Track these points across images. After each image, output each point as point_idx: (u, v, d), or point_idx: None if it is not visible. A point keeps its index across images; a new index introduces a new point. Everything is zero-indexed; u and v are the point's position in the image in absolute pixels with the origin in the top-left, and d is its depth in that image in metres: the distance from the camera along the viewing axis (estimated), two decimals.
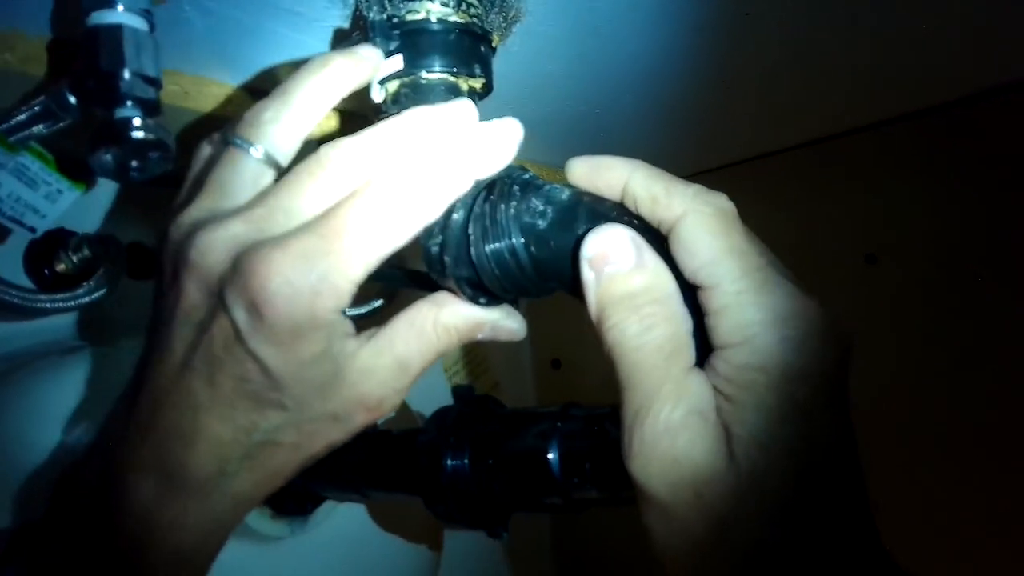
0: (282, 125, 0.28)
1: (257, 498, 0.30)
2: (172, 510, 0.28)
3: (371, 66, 0.32)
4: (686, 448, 0.23)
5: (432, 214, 0.27)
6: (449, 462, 0.34)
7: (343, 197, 0.27)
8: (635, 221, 0.27)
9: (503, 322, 0.31)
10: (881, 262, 0.73)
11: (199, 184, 0.28)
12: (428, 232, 0.30)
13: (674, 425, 0.24)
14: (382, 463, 0.39)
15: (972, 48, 0.56)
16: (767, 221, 0.78)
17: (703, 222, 0.25)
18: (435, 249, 0.30)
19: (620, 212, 0.27)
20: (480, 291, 0.31)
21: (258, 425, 0.27)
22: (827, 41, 0.52)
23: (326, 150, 0.27)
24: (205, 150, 0.30)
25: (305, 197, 0.26)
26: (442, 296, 0.30)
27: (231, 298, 0.25)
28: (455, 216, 0.29)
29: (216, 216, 0.26)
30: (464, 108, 0.29)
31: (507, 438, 0.34)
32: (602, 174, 0.28)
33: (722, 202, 0.26)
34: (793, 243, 0.78)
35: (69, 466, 0.42)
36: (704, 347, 0.25)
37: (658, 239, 0.26)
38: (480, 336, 0.31)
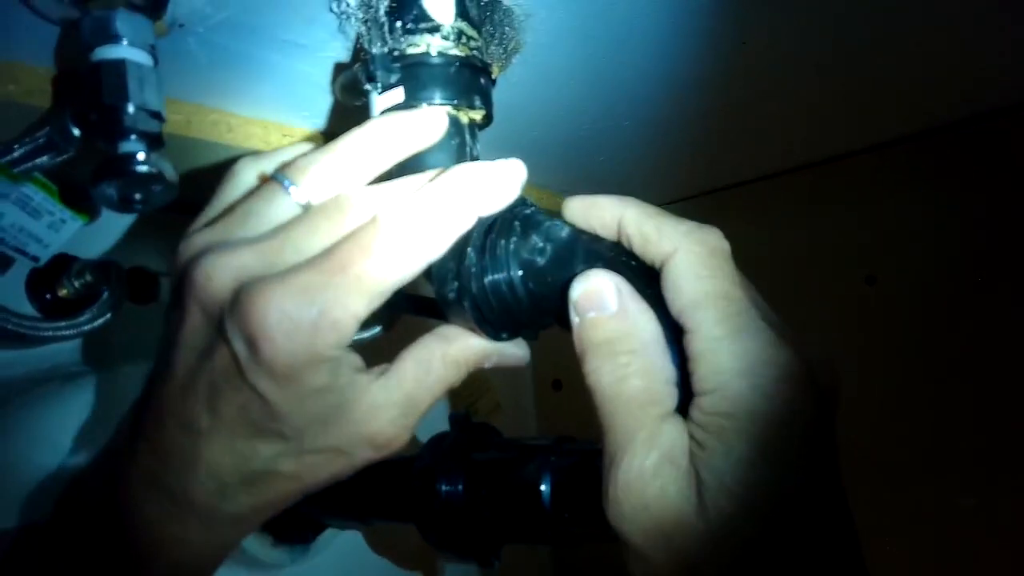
0: (330, 177, 0.28)
1: (256, 522, 0.30)
2: (174, 527, 0.28)
3: (436, 130, 0.32)
4: (657, 495, 0.24)
5: (435, 251, 0.27)
6: (443, 488, 0.34)
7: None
8: (632, 263, 0.27)
9: (508, 350, 0.31)
10: (881, 283, 0.73)
11: (226, 208, 0.29)
12: (440, 265, 0.30)
13: (646, 472, 0.24)
14: (379, 489, 0.39)
15: (969, 70, 0.57)
16: (767, 243, 0.79)
17: (690, 262, 0.25)
18: (447, 287, 0.30)
19: (617, 253, 0.28)
20: (486, 324, 0.31)
21: (258, 453, 0.27)
22: (822, 66, 0.53)
23: (347, 196, 0.27)
24: (244, 177, 0.30)
25: (318, 236, 0.26)
26: (448, 330, 0.31)
27: (231, 329, 0.25)
28: (466, 250, 0.30)
29: (229, 243, 0.26)
30: (507, 168, 0.29)
31: (501, 469, 0.34)
32: (596, 213, 0.29)
33: (714, 240, 0.26)
34: (793, 264, 0.79)
35: (77, 472, 0.42)
36: (688, 394, 0.25)
37: (655, 280, 0.27)
38: (487, 365, 0.31)
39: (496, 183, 0.28)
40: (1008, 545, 0.65)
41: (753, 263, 0.27)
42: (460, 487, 0.35)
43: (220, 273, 0.25)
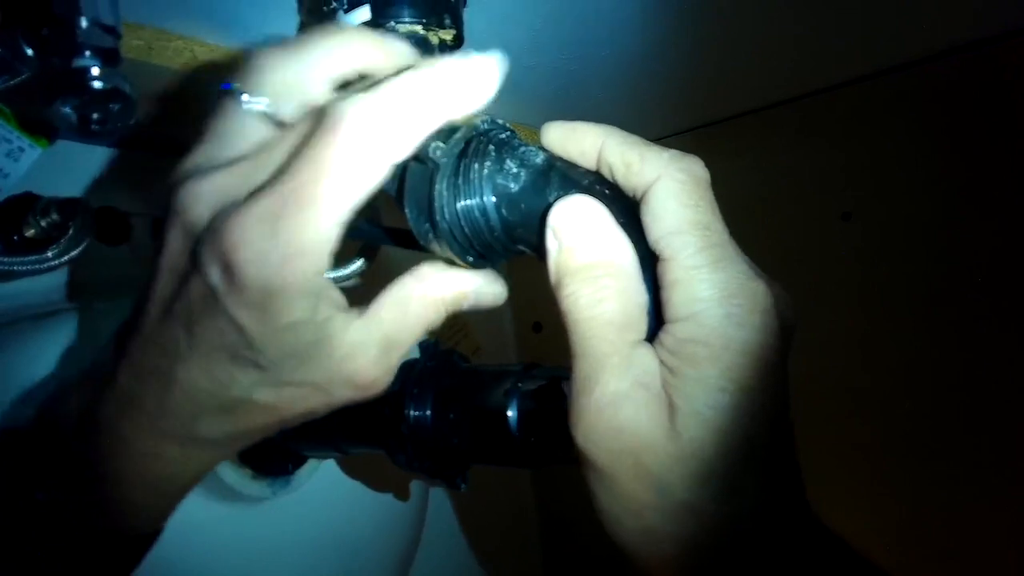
0: (285, 77, 0.26)
1: (232, 448, 0.30)
2: (148, 443, 0.28)
3: (398, 56, 0.29)
4: (629, 418, 0.24)
5: (399, 153, 0.26)
6: (411, 413, 0.35)
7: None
8: (606, 191, 0.27)
9: (485, 288, 0.31)
10: (856, 219, 0.74)
11: (199, 136, 0.28)
12: (412, 192, 0.29)
13: (619, 396, 0.24)
14: (350, 415, 0.40)
15: (946, 3, 0.56)
16: (744, 180, 0.79)
17: (674, 189, 0.25)
18: (420, 214, 0.30)
19: (592, 180, 0.28)
20: (460, 250, 0.31)
21: (234, 380, 0.27)
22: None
23: (313, 103, 0.26)
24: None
25: (285, 150, 0.25)
26: (425, 270, 0.30)
27: (206, 257, 0.24)
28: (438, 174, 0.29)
29: (208, 167, 0.26)
30: (480, 65, 0.27)
31: (469, 393, 0.35)
32: (576, 140, 0.28)
33: (696, 168, 0.26)
34: (770, 201, 0.79)
35: (56, 388, 0.42)
36: (659, 322, 0.26)
37: (630, 208, 0.27)
38: (465, 306, 0.31)
39: (468, 80, 0.26)
40: (985, 488, 0.67)
41: (729, 199, 0.27)
42: (428, 412, 0.35)
43: (196, 199, 0.25)
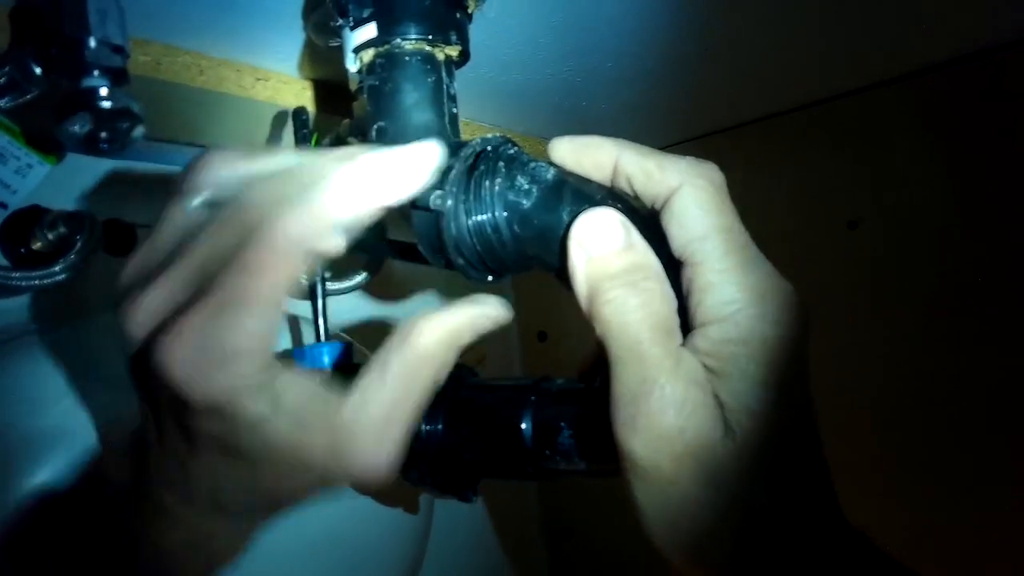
0: (222, 174, 0.26)
1: (268, 518, 0.30)
2: (192, 526, 0.28)
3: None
4: (691, 420, 0.24)
5: (330, 245, 0.25)
6: (423, 428, 0.35)
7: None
8: (619, 204, 0.27)
9: (483, 314, 0.28)
10: (863, 227, 0.74)
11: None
12: (421, 209, 0.29)
13: (678, 398, 0.24)
14: None
15: (952, 12, 0.56)
16: (750, 189, 0.79)
17: (697, 196, 0.26)
18: (429, 231, 0.30)
19: (605, 194, 0.28)
20: (468, 267, 0.31)
21: (231, 475, 0.26)
22: (807, 7, 0.52)
23: (232, 196, 0.25)
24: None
25: (212, 251, 0.24)
26: (406, 326, 0.27)
27: (150, 381, 0.24)
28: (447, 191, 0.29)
29: (143, 270, 0.25)
30: (413, 154, 0.26)
31: (481, 408, 0.34)
32: (589, 153, 0.28)
33: (714, 174, 0.27)
34: (777, 209, 0.79)
35: (98, 458, 0.41)
36: (682, 328, 0.26)
37: (644, 221, 0.27)
38: (468, 340, 0.28)
39: (401, 172, 0.25)
40: (995, 497, 0.67)
41: (737, 207, 0.28)
42: (440, 427, 0.35)
43: (132, 322, 0.24)
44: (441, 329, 0.27)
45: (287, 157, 0.26)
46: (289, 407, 0.24)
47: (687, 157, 0.27)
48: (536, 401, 0.33)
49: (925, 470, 0.69)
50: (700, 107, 0.76)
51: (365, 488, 0.27)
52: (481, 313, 0.28)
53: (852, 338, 0.72)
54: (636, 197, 0.28)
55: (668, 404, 0.24)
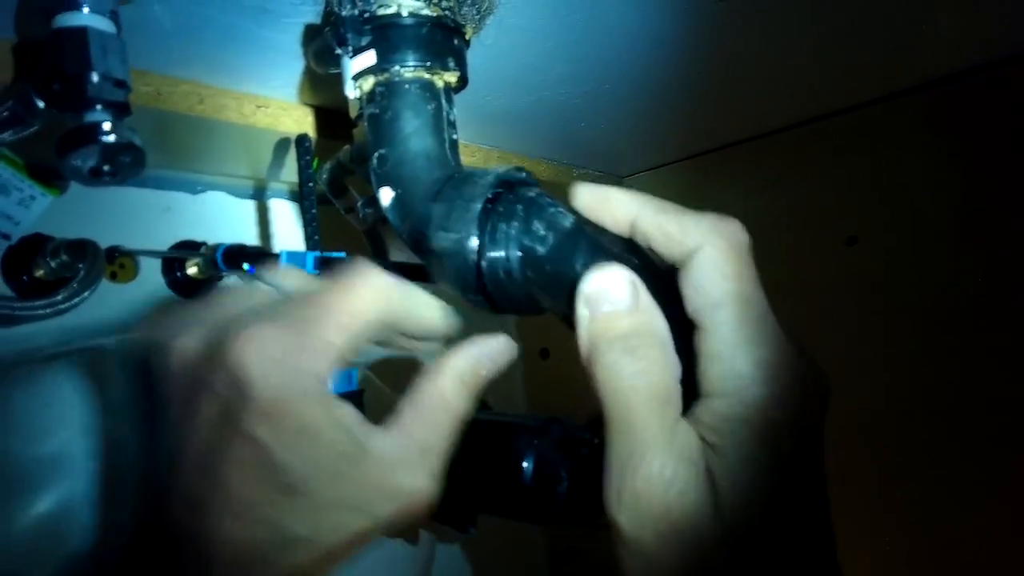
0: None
1: None
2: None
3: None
4: (678, 498, 0.23)
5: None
6: None
7: None
8: (635, 260, 0.27)
9: (498, 351, 0.30)
10: (861, 243, 0.74)
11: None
12: (438, 241, 0.30)
13: (667, 474, 0.23)
14: None
15: (945, 30, 0.56)
16: (749, 206, 0.79)
17: (716, 260, 0.25)
18: (445, 264, 0.30)
19: (622, 249, 0.27)
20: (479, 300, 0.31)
21: (269, 515, 0.26)
22: (801, 26, 0.52)
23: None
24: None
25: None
26: (435, 368, 0.29)
27: (215, 377, 0.25)
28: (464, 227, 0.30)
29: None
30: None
31: (485, 443, 0.34)
32: (609, 209, 0.28)
33: (737, 234, 0.25)
34: (775, 226, 0.79)
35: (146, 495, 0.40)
36: (689, 393, 0.25)
37: (660, 278, 0.26)
38: (486, 374, 0.30)
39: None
40: (992, 514, 0.66)
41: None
42: None
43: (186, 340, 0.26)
44: (463, 370, 0.29)
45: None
46: (340, 423, 0.26)
47: (709, 215, 0.26)
48: (539, 445, 0.33)
49: (924, 483, 0.69)
50: (697, 126, 0.77)
51: (405, 521, 0.27)
52: (498, 351, 0.30)
53: (851, 353, 0.72)
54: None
55: (655, 480, 0.23)
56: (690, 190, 0.85)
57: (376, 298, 0.27)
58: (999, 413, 0.65)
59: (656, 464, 0.24)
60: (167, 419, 0.27)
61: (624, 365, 0.25)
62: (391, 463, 0.27)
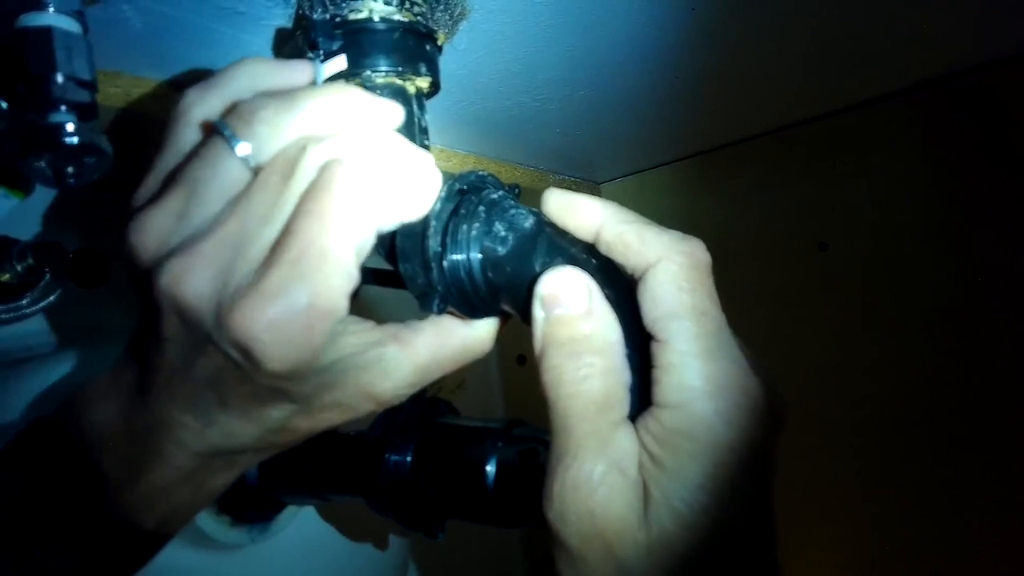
0: (278, 130, 0.25)
1: (258, 461, 0.31)
2: (187, 463, 0.28)
3: (392, 122, 0.29)
4: (602, 503, 0.24)
5: (403, 203, 0.27)
6: (392, 459, 0.35)
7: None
8: (594, 260, 0.27)
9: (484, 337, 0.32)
10: (833, 249, 0.75)
11: (170, 176, 0.26)
12: (403, 244, 0.30)
13: (594, 479, 0.24)
14: (331, 461, 0.39)
15: (919, 38, 0.58)
16: (722, 211, 0.80)
17: (673, 272, 0.25)
18: (409, 265, 0.30)
19: (580, 249, 0.27)
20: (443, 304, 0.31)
21: (270, 417, 0.27)
22: (776, 37, 0.53)
23: (297, 152, 0.25)
24: (189, 124, 0.27)
25: (277, 208, 0.24)
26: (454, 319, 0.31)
27: (222, 344, 0.24)
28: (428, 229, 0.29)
29: (187, 237, 0.24)
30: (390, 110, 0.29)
31: (450, 447, 0.35)
32: (573, 215, 0.28)
33: (697, 252, 0.26)
34: (749, 232, 0.80)
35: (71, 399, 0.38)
36: (644, 401, 0.25)
37: (620, 280, 0.26)
38: (479, 354, 0.32)
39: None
40: (964, 521, 0.67)
41: (708, 231, 0.28)
42: (408, 460, 0.35)
43: (188, 282, 0.24)
44: (481, 337, 0.32)
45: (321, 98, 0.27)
46: (345, 352, 0.27)
47: (672, 231, 0.26)
48: (502, 449, 0.33)
49: (900, 486, 0.70)
50: (672, 133, 0.77)
51: (369, 412, 0.29)
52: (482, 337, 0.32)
53: (824, 358, 0.73)
54: None
55: (581, 484, 0.24)
56: (666, 196, 0.86)
57: (366, 221, 0.26)
58: (973, 416, 0.66)
59: (585, 467, 0.24)
60: (147, 326, 0.27)
61: (567, 369, 0.25)
62: (389, 376, 0.28)
